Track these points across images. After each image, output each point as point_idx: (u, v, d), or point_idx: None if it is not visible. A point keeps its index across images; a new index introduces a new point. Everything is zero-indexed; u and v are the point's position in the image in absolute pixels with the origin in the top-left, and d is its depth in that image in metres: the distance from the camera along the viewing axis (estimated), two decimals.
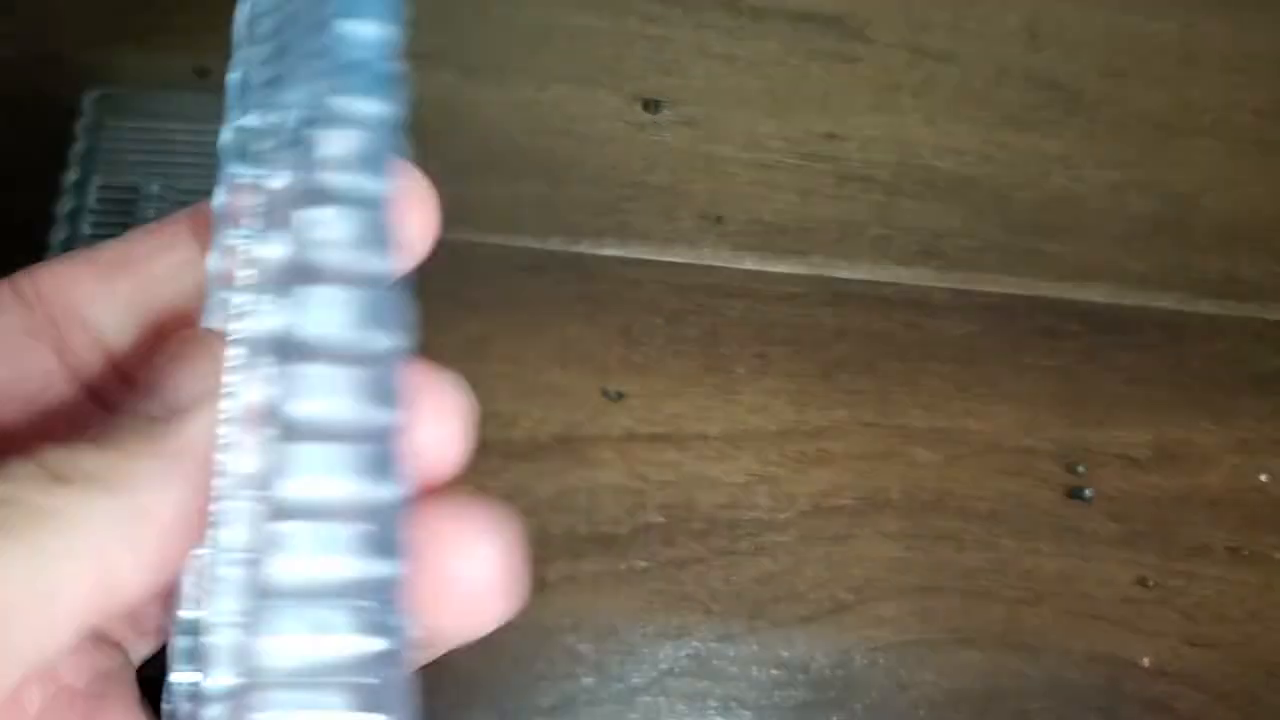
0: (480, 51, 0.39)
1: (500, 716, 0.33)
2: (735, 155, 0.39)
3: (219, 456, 0.15)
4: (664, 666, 0.34)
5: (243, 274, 0.16)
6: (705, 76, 0.40)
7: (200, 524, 0.15)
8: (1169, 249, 0.40)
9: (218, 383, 0.15)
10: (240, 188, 0.16)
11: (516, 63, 0.39)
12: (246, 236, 0.16)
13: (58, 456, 0.14)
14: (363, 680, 0.15)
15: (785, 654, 0.34)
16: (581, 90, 0.39)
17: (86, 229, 0.34)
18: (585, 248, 0.38)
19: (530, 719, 0.33)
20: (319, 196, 0.16)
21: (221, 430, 0.15)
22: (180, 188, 0.35)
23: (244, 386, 0.15)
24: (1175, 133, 0.42)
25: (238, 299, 0.16)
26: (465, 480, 0.35)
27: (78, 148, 0.35)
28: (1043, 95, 0.41)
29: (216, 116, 0.20)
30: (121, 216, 0.34)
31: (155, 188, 0.35)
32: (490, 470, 0.35)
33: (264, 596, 0.15)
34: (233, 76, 0.17)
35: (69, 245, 0.34)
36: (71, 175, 0.35)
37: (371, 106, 0.16)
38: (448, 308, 0.36)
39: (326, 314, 0.16)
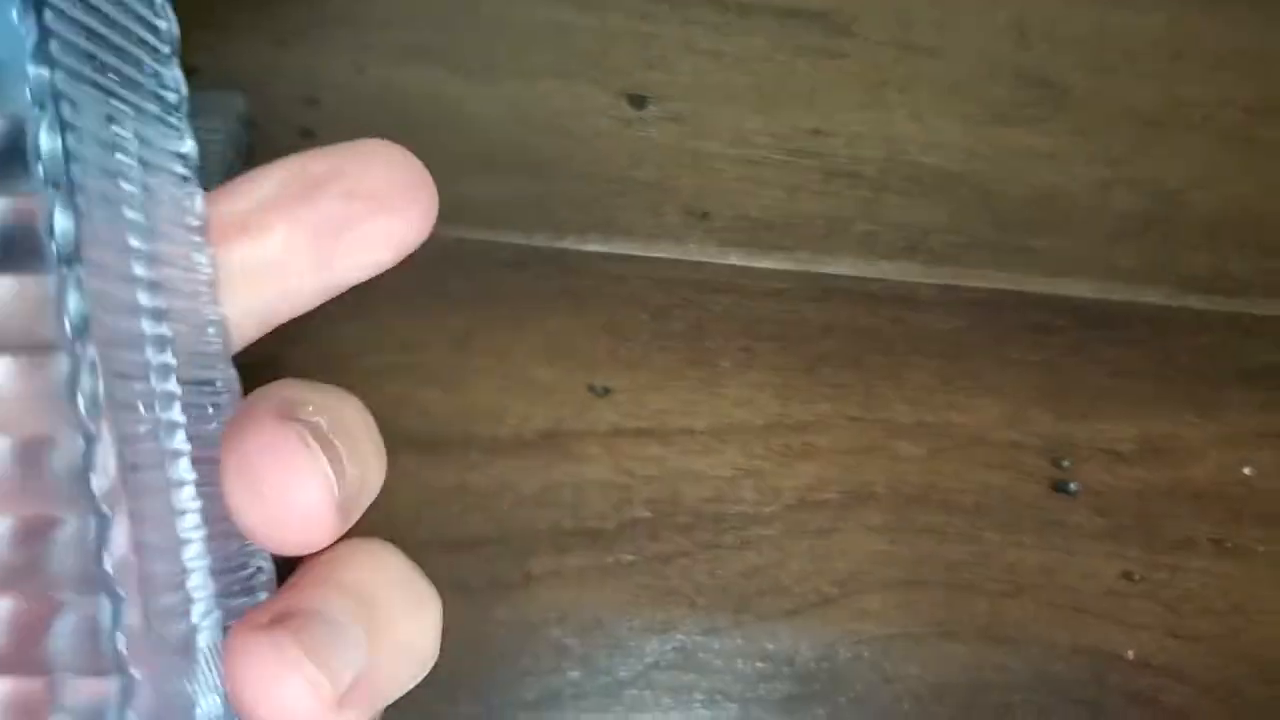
0: (466, 47, 0.39)
1: (486, 710, 0.33)
2: (722, 151, 0.40)
3: None
4: (650, 660, 0.34)
5: None
6: (692, 73, 0.40)
7: None
8: (1156, 244, 0.40)
9: None
10: None
11: (502, 59, 0.39)
12: None
13: None
14: None
15: (770, 647, 0.34)
16: (568, 86, 0.39)
17: None
18: (571, 243, 0.38)
19: (516, 713, 0.33)
20: None
21: None
22: None
23: None
24: (1163, 129, 0.42)
25: None
26: (451, 476, 0.35)
27: None
28: (1030, 91, 0.41)
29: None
30: None
31: None
32: (475, 465, 0.35)
33: None
34: None
35: None
36: None
37: None
38: (432, 303, 0.36)
39: None
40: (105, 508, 0.15)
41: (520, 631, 0.33)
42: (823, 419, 0.37)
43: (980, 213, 0.40)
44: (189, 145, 0.19)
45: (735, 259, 0.38)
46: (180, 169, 0.19)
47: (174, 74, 0.19)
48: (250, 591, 0.19)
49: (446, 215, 0.20)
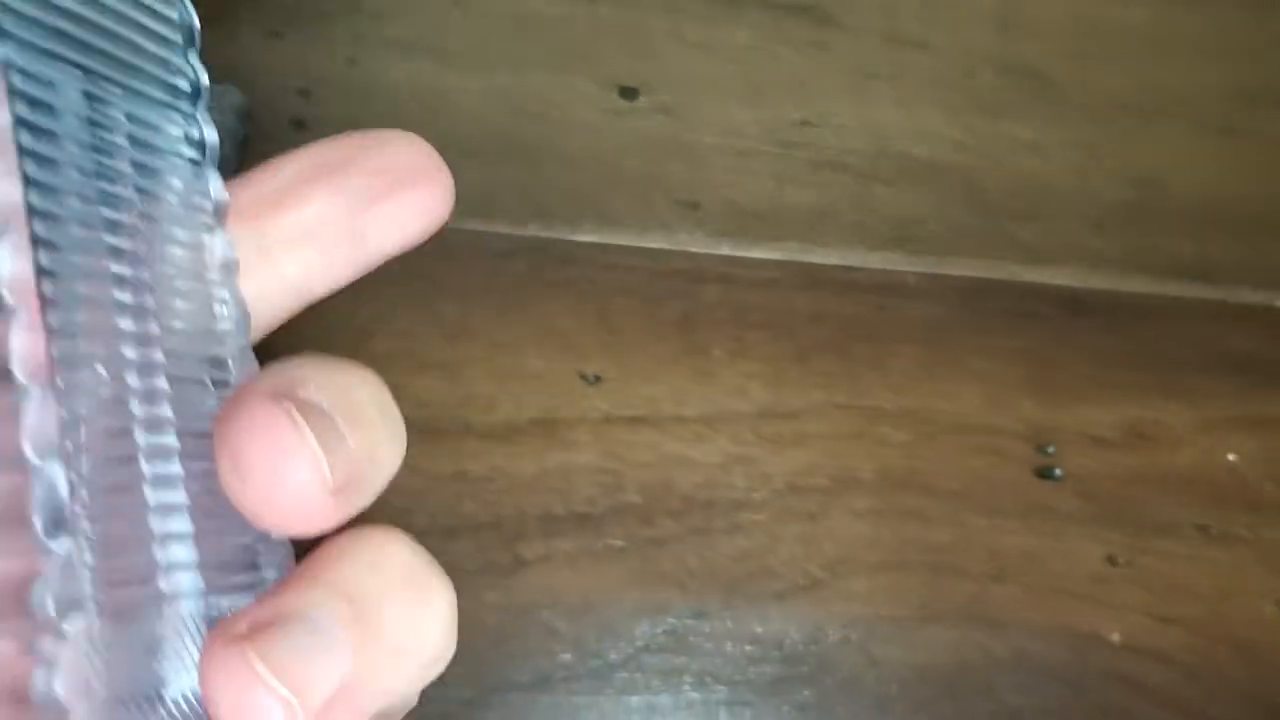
0: (456, 39, 0.40)
1: (477, 693, 0.33)
2: (711, 142, 0.40)
3: None
4: (640, 643, 0.34)
5: None
6: (681, 64, 0.41)
7: None
8: (1138, 232, 0.41)
9: None
10: None
11: (493, 50, 0.40)
12: None
13: None
14: None
15: (759, 630, 0.35)
16: (558, 78, 0.40)
17: None
18: (562, 233, 0.38)
19: (508, 694, 0.33)
20: None
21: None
22: None
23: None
24: (1144, 117, 0.42)
25: None
26: (447, 463, 0.36)
27: None
28: (1013, 81, 0.42)
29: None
30: None
31: None
32: (469, 453, 0.35)
33: None
34: None
35: None
36: None
37: None
38: (425, 292, 0.36)
39: None
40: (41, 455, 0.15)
41: (512, 615, 0.34)
42: (812, 406, 0.37)
43: (965, 202, 0.40)
44: (202, 131, 0.19)
45: (725, 249, 0.39)
46: (190, 153, 0.19)
47: (186, 63, 0.19)
48: (250, 589, 0.18)
49: None
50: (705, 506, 0.36)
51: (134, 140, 0.18)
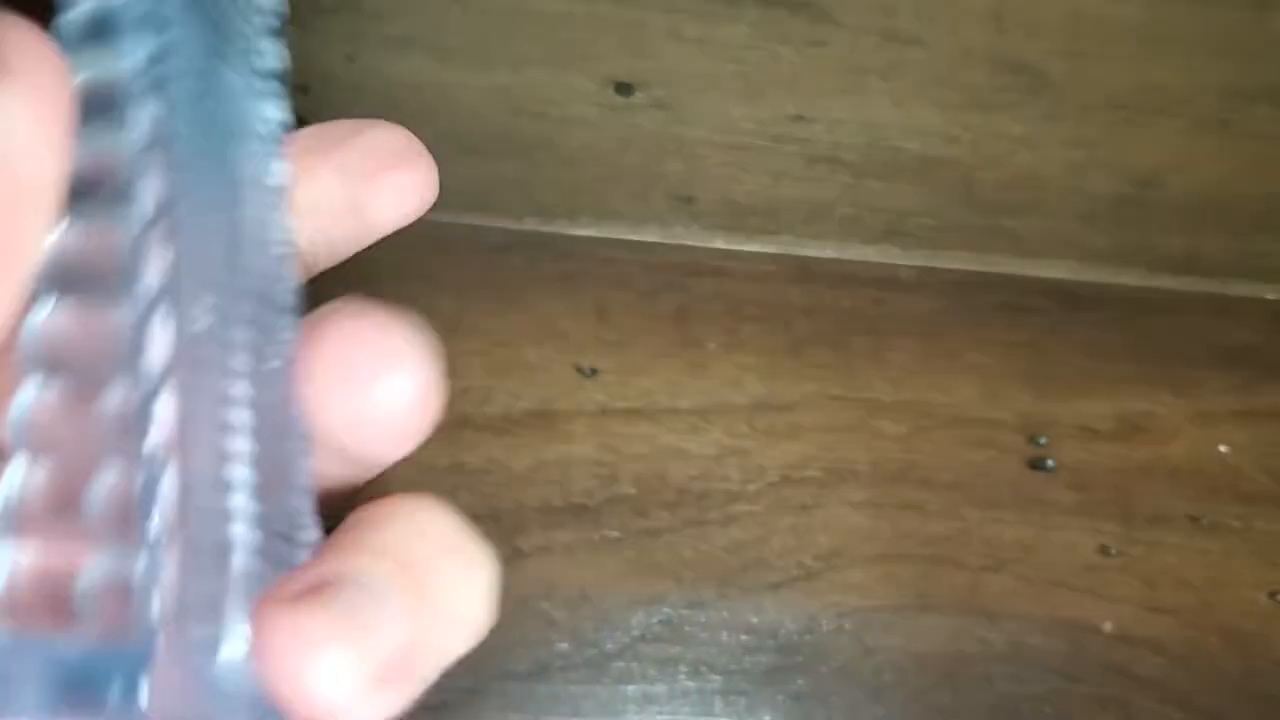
0: (455, 36, 0.40)
1: (475, 682, 0.34)
2: (707, 137, 0.40)
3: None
4: (636, 633, 0.35)
5: None
6: (677, 60, 0.41)
7: None
8: (1131, 226, 0.41)
9: None
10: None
11: (490, 47, 0.40)
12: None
13: None
14: None
15: (754, 620, 0.35)
16: (555, 74, 0.40)
17: None
18: (559, 227, 0.39)
19: (505, 684, 0.34)
20: None
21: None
22: None
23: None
24: (1138, 113, 0.42)
25: None
26: (444, 455, 0.36)
27: None
28: (1008, 77, 0.42)
29: None
30: None
31: None
32: (466, 444, 0.36)
33: None
34: None
35: None
36: None
37: None
38: (423, 287, 0.37)
39: None
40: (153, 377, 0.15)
41: (509, 605, 0.34)
42: (806, 398, 0.37)
43: (959, 196, 0.41)
44: (276, 110, 0.20)
45: (720, 242, 0.39)
46: (261, 129, 0.19)
47: (271, 44, 0.20)
48: (289, 558, 0.18)
49: (437, 200, 0.22)
50: (700, 498, 0.36)
51: (225, 102, 0.18)
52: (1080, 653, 0.36)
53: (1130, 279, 0.40)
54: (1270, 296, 0.41)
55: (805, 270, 0.39)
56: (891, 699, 0.35)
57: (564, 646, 0.34)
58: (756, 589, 0.35)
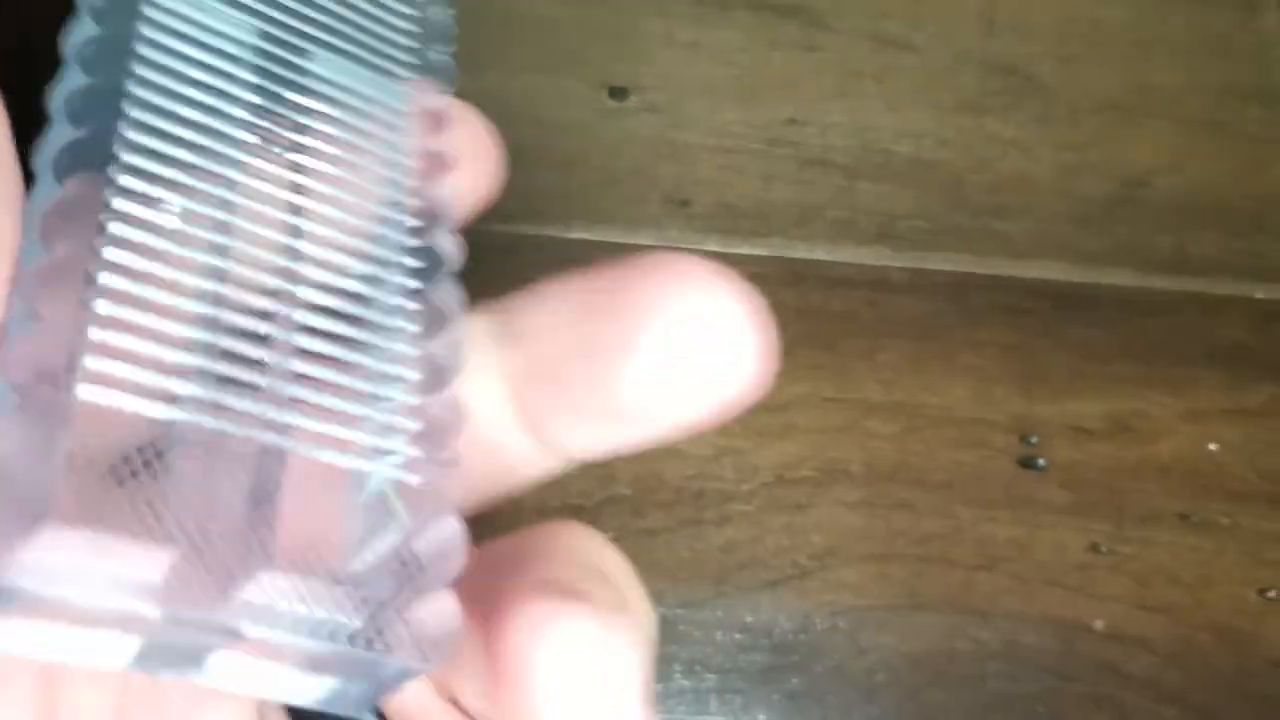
0: None
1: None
2: (700, 141, 0.41)
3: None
4: None
5: None
6: (671, 65, 0.41)
7: None
8: (1122, 227, 0.41)
9: None
10: None
11: (483, 52, 0.40)
12: None
13: None
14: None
15: (749, 619, 0.35)
16: (549, 79, 0.40)
17: None
18: (554, 231, 0.39)
19: None
20: None
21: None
22: None
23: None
24: (1128, 114, 0.43)
25: None
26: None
27: None
28: (999, 80, 0.42)
29: None
30: None
31: None
32: None
33: None
34: None
35: None
36: None
37: None
38: None
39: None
40: None
41: None
42: (799, 400, 0.38)
43: (951, 198, 0.41)
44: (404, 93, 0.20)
45: (714, 245, 0.39)
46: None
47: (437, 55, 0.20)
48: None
49: None
50: (695, 498, 0.36)
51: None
52: (1073, 651, 0.36)
53: (1121, 280, 0.41)
54: (1260, 296, 0.41)
55: (798, 272, 0.39)
56: (885, 697, 0.35)
57: None
58: (751, 588, 0.35)
